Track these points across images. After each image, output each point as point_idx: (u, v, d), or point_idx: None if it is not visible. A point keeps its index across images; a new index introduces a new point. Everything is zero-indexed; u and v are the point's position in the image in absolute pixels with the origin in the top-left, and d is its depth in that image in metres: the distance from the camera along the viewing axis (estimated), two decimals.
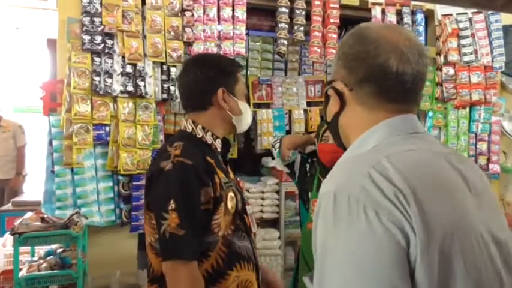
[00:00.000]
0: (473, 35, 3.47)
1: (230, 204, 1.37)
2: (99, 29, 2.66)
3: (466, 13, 3.50)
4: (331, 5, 3.12)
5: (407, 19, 3.31)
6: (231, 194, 1.38)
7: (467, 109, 3.56)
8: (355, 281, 0.66)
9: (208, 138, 1.44)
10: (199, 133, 1.44)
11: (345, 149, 0.89)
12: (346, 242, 0.68)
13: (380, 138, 0.80)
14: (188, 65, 1.52)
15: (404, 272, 0.66)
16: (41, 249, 2.67)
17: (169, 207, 1.25)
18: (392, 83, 0.80)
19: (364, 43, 0.82)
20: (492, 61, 3.48)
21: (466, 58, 3.45)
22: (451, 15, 3.47)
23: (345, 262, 0.68)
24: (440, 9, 3.48)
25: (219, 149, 1.46)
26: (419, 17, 3.35)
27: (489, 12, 3.47)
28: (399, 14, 3.32)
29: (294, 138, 2.61)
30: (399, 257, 0.66)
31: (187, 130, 1.46)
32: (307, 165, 2.48)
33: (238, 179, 1.60)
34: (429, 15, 3.56)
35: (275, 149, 2.50)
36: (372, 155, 0.76)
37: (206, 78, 1.43)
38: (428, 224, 0.67)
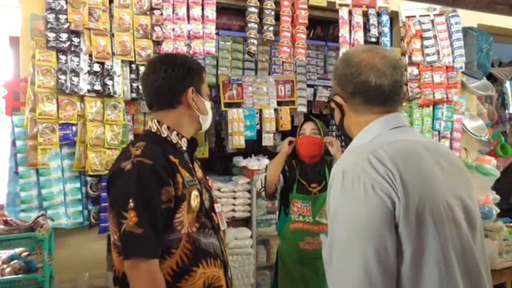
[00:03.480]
0: (435, 37, 3.60)
1: (194, 203, 1.37)
2: (65, 26, 2.60)
3: (428, 15, 3.63)
4: (300, 6, 3.17)
5: (373, 20, 3.40)
6: (195, 192, 1.39)
7: (431, 108, 3.69)
8: (355, 233, 0.95)
9: (173, 138, 1.44)
10: (164, 132, 1.44)
11: (351, 140, 1.20)
12: (350, 207, 0.97)
13: (375, 132, 1.09)
14: (155, 63, 1.50)
15: (391, 226, 0.95)
16: (4, 254, 2.57)
17: (128, 206, 1.26)
18: (374, 93, 1.08)
19: (349, 66, 1.10)
20: (453, 61, 3.62)
21: (429, 58, 3.58)
22: (414, 16, 3.60)
23: (349, 220, 0.97)
24: (404, 11, 3.60)
25: (184, 148, 1.46)
26: (385, 18, 3.45)
27: (450, 14, 3.62)
28: (365, 15, 3.41)
29: (274, 167, 2.47)
30: (388, 216, 0.95)
31: (152, 130, 1.46)
32: (286, 172, 2.53)
33: (207, 177, 1.62)
34: (394, 17, 3.67)
35: (261, 191, 2.49)
36: (370, 145, 1.05)
37: (177, 77, 1.43)
38: (408, 193, 0.96)
